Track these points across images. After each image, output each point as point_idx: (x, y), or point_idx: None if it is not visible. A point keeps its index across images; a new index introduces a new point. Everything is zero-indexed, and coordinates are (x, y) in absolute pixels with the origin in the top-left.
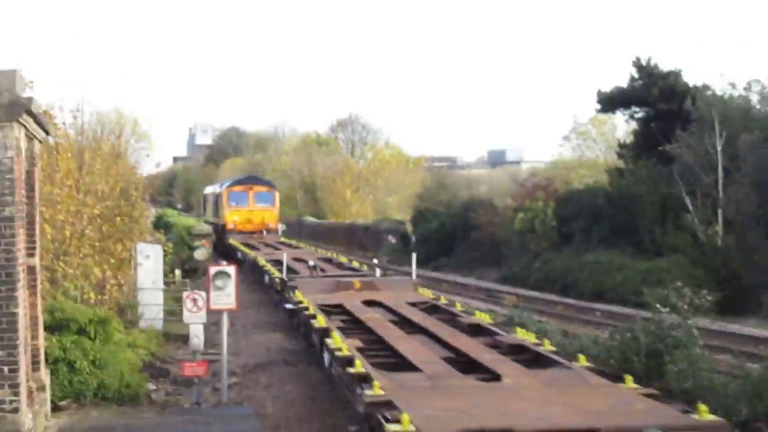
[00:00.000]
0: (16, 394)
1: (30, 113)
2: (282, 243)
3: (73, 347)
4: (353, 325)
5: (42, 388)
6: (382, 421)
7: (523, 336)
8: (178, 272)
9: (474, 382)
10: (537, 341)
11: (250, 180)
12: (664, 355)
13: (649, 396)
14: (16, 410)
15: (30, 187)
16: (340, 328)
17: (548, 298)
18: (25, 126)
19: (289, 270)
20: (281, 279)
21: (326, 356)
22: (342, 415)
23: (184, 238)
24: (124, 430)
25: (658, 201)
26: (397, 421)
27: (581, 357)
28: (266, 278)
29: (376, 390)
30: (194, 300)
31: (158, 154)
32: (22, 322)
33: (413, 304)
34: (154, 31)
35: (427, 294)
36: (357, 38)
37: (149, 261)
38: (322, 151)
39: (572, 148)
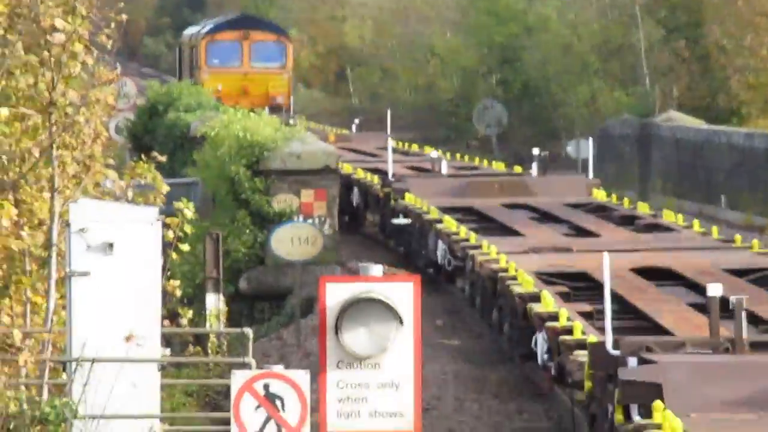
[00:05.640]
0: None
1: None
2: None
3: None
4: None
5: None
6: None
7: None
8: (214, 300)
9: None
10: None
11: (247, 22)
12: None
13: None
14: None
15: None
16: None
17: None
18: None
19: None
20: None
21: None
22: None
23: (239, 186)
24: None
25: None
26: None
27: None
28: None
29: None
30: (270, 401)
31: None
32: None
33: (574, 206)
34: None
35: (600, 197)
36: None
37: (110, 259)
38: None
39: None
